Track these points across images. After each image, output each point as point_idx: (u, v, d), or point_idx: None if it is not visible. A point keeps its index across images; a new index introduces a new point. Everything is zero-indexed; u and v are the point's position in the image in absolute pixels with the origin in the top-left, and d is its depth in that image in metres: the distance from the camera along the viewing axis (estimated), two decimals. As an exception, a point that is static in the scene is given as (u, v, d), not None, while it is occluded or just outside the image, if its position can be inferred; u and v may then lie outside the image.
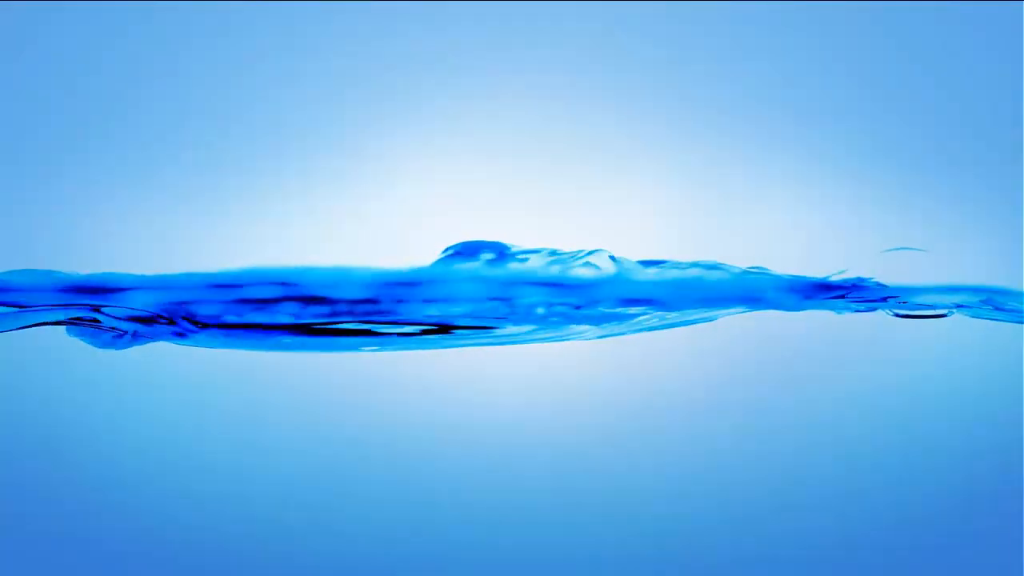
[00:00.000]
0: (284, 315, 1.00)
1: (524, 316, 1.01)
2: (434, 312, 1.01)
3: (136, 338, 1.01)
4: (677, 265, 1.04)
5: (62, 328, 1.01)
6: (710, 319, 1.06)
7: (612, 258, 1.02)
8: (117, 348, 1.02)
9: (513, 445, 1.09)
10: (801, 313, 1.06)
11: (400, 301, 1.00)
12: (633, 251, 1.03)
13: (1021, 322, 1.07)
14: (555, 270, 1.02)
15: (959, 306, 1.06)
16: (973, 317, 1.06)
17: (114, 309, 1.00)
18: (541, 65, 1.08)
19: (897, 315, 1.06)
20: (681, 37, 1.09)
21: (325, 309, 1.00)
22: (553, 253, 1.03)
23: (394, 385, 1.08)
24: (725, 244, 1.07)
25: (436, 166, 1.08)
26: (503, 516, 1.09)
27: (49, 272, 1.01)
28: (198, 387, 1.08)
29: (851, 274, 1.05)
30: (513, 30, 1.08)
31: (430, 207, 1.07)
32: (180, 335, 1.00)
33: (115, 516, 1.07)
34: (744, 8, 1.08)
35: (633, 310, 1.03)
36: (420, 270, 1.02)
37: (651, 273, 1.03)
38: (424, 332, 1.02)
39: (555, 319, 1.01)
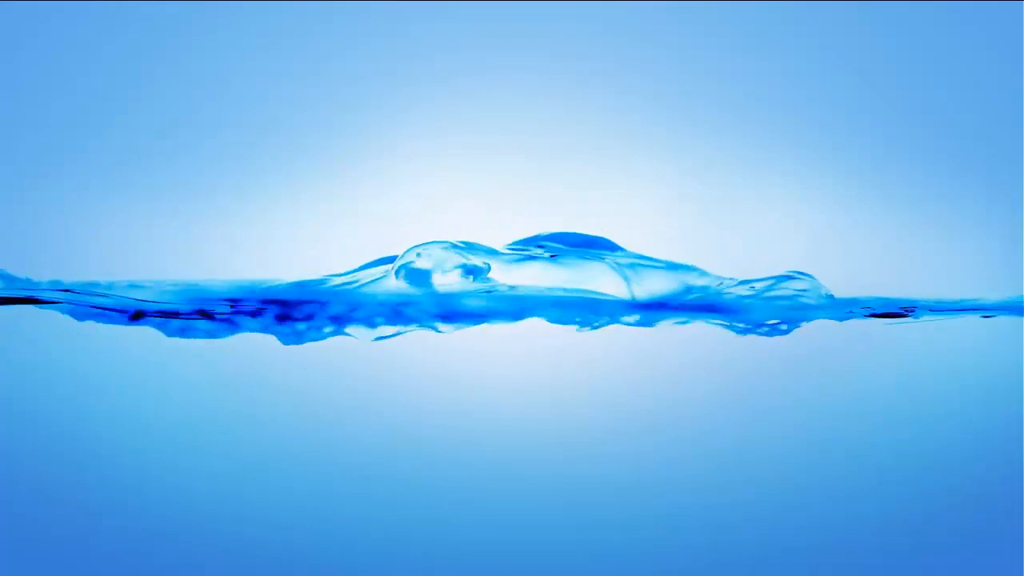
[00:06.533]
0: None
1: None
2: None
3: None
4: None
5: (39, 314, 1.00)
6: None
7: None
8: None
9: (510, 444, 1.09)
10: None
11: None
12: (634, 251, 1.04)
13: (1021, 316, 1.07)
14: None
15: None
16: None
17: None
18: (539, 65, 1.08)
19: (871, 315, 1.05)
20: (681, 36, 1.09)
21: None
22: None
23: (390, 381, 1.08)
24: (725, 244, 1.07)
25: (432, 167, 1.07)
26: (500, 517, 1.09)
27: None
28: (191, 383, 1.08)
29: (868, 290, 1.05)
30: (511, 30, 1.08)
31: (426, 208, 1.07)
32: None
33: (110, 511, 1.07)
34: (743, 7, 1.08)
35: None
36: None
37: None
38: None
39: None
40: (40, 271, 1.01)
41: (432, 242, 0.98)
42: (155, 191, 1.05)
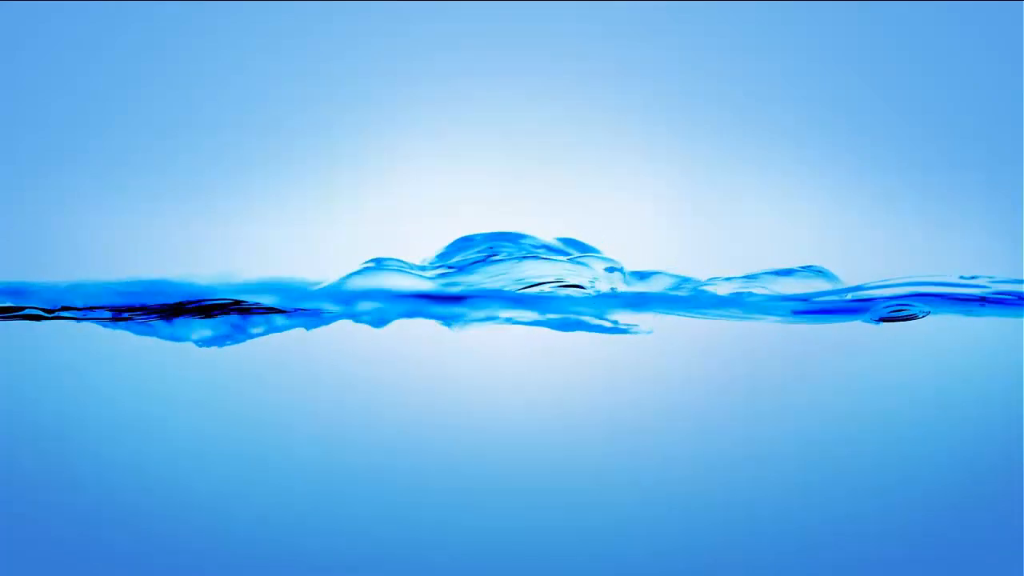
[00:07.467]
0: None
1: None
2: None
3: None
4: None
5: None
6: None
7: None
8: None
9: (508, 444, 1.09)
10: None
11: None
12: (632, 254, 1.04)
13: (1020, 316, 1.07)
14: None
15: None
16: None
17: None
18: (539, 65, 1.08)
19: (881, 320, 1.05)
20: (682, 37, 1.09)
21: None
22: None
23: (389, 382, 1.08)
24: (724, 245, 1.07)
25: (433, 167, 1.07)
26: (500, 517, 1.09)
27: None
28: (188, 383, 1.08)
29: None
30: (511, 30, 1.08)
31: (426, 209, 1.07)
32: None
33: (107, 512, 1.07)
34: (742, 8, 1.08)
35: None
36: None
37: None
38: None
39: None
40: (40, 271, 1.01)
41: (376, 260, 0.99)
42: (155, 191, 1.05)
